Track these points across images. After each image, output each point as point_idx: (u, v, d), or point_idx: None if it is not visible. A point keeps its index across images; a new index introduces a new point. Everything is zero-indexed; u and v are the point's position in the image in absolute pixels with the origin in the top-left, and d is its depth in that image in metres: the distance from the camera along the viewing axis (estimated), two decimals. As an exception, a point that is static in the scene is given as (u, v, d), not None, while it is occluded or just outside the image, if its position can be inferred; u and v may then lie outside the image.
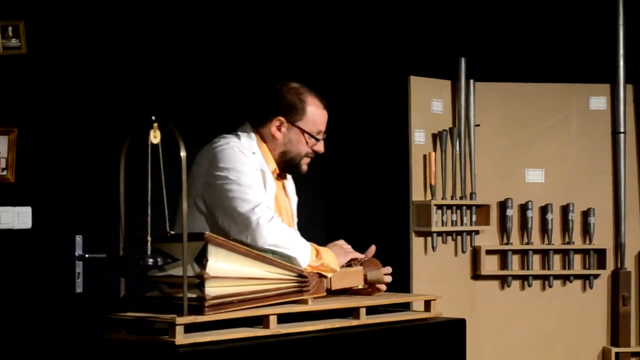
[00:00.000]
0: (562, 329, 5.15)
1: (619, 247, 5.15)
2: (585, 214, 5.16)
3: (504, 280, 5.13)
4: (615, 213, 5.17)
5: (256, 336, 2.73)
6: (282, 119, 3.27)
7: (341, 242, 3.27)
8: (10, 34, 4.01)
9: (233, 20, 4.75)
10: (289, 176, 3.43)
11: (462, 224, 5.02)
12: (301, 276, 2.97)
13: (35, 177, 4.10)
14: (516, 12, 5.26)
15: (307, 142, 3.29)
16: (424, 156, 4.94)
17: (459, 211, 5.02)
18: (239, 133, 3.28)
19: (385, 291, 3.30)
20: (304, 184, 3.54)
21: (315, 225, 4.75)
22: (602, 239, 5.17)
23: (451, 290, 4.87)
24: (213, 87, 4.69)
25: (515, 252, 5.13)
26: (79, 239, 4.25)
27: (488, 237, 5.12)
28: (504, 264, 5.13)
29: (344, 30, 5.19)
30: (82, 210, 4.25)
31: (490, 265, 5.12)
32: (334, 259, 3.12)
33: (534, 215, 5.11)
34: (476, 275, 5.09)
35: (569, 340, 5.14)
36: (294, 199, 3.46)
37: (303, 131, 3.28)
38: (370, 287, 3.26)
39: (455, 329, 3.30)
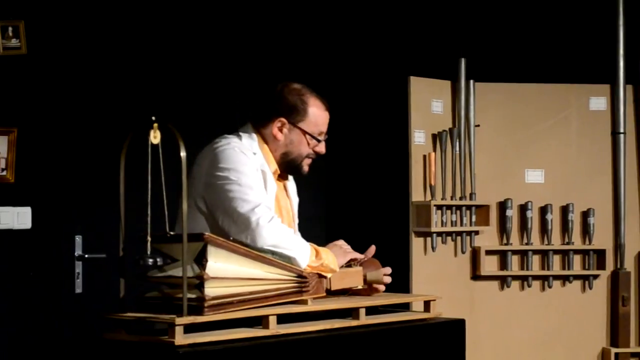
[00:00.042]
0: (561, 329, 5.15)
1: (618, 247, 5.15)
2: (585, 215, 5.16)
3: (503, 281, 5.13)
4: (615, 213, 5.17)
5: (256, 336, 2.73)
6: (283, 119, 3.27)
7: (341, 242, 3.27)
8: (10, 34, 4.01)
9: (233, 20, 4.75)
10: (290, 177, 3.43)
11: (461, 225, 5.02)
12: (301, 276, 2.97)
13: (35, 177, 4.10)
14: (516, 12, 5.26)
15: (308, 143, 3.29)
16: (424, 156, 4.95)
17: (458, 211, 5.02)
18: (240, 133, 3.28)
19: (385, 291, 3.30)
20: (304, 184, 3.54)
21: (315, 225, 4.75)
22: (602, 239, 5.17)
23: (451, 290, 4.87)
24: (213, 87, 4.69)
25: (514, 252, 5.13)
26: (78, 239, 4.25)
27: (488, 238, 5.12)
28: (503, 265, 5.13)
29: (344, 30, 5.19)
30: (82, 211, 4.25)
31: (489, 265, 5.12)
32: (333, 260, 3.12)
33: (533, 215, 5.11)
34: (476, 276, 5.09)
35: (568, 340, 5.15)
36: (295, 199, 3.46)
37: (304, 132, 3.28)
38: (369, 287, 3.26)
39: (454, 330, 3.30)
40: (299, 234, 3.36)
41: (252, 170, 3.14)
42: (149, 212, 2.59)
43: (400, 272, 4.14)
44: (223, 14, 4.72)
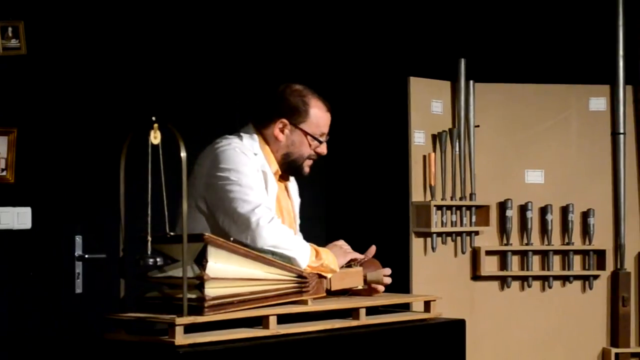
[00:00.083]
0: (561, 329, 5.15)
1: (618, 248, 5.15)
2: (585, 215, 5.16)
3: (503, 281, 5.13)
4: (615, 214, 5.17)
5: (256, 337, 2.73)
6: (285, 121, 3.27)
7: (341, 242, 3.27)
8: (10, 34, 4.01)
9: (233, 20, 4.75)
10: (291, 177, 3.43)
11: (461, 225, 5.02)
12: (301, 277, 2.97)
13: (35, 178, 4.10)
14: (516, 13, 5.26)
15: (309, 144, 3.29)
16: (424, 157, 4.95)
17: (458, 212, 5.02)
18: (242, 134, 3.28)
19: (385, 292, 3.30)
20: (304, 184, 3.54)
21: (315, 225, 4.75)
22: (602, 239, 5.17)
23: (451, 290, 4.87)
24: (213, 88, 4.69)
25: (515, 252, 5.13)
26: (78, 239, 4.25)
27: (488, 238, 5.12)
28: (503, 265, 5.13)
29: (344, 31, 5.19)
30: (82, 211, 4.25)
31: (490, 266, 5.12)
32: (333, 260, 3.12)
33: (533, 216, 5.11)
34: (476, 276, 5.09)
35: (568, 341, 5.15)
36: (296, 200, 3.46)
37: (306, 133, 3.28)
38: (369, 288, 3.26)
39: (455, 330, 3.30)
40: (300, 235, 3.36)
41: (252, 171, 3.14)
42: (149, 212, 2.59)
43: (401, 272, 4.14)
44: (223, 14, 4.72)
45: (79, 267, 4.25)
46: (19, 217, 4.04)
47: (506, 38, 5.23)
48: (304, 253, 3.04)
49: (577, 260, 5.18)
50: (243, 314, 2.75)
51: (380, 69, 5.21)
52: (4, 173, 4.00)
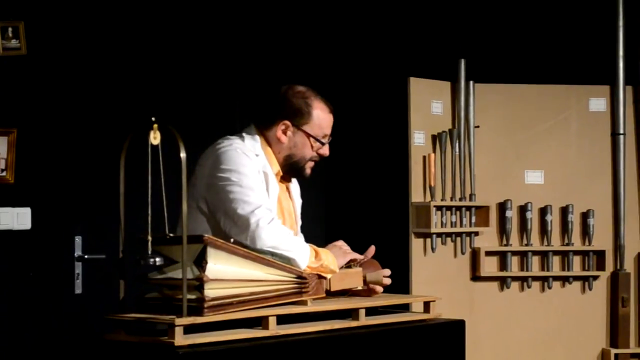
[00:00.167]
0: (561, 330, 5.15)
1: (618, 248, 5.15)
2: (585, 216, 5.16)
3: (503, 282, 5.13)
4: (615, 214, 5.17)
5: (255, 337, 2.73)
6: (287, 122, 3.26)
7: (340, 242, 3.27)
8: (10, 34, 4.01)
9: (233, 21, 4.75)
10: (293, 179, 3.43)
11: (461, 225, 5.02)
12: (300, 277, 2.97)
13: (35, 178, 4.10)
14: (516, 13, 5.26)
15: (312, 146, 3.29)
16: (424, 157, 4.95)
17: (458, 212, 5.02)
18: (244, 135, 3.27)
19: (385, 292, 3.30)
20: (304, 185, 3.54)
21: (315, 225, 4.75)
22: (602, 240, 5.17)
23: (450, 291, 4.88)
24: (213, 88, 4.69)
25: (514, 253, 5.13)
26: (78, 240, 4.25)
27: (487, 239, 5.12)
28: (503, 265, 5.13)
29: (344, 31, 5.19)
30: (82, 211, 4.25)
31: (489, 266, 5.12)
32: (333, 260, 3.12)
33: (533, 216, 5.11)
34: (475, 277, 5.09)
35: (568, 341, 5.15)
36: (298, 201, 3.46)
37: (309, 135, 3.27)
38: (369, 288, 3.26)
39: (454, 330, 3.30)
40: (301, 236, 3.36)
41: (253, 172, 3.14)
42: (149, 212, 2.59)
43: (400, 273, 4.14)
44: (223, 15, 4.72)
45: (78, 268, 4.25)
46: (18, 218, 4.04)
47: (506, 38, 5.23)
48: (303, 254, 3.04)
49: (576, 260, 5.18)
50: (243, 314, 2.75)
51: (380, 70, 5.21)
52: (4, 173, 4.00)
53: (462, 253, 5.06)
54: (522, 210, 5.12)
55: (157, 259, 2.65)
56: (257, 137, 3.28)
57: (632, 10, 5.17)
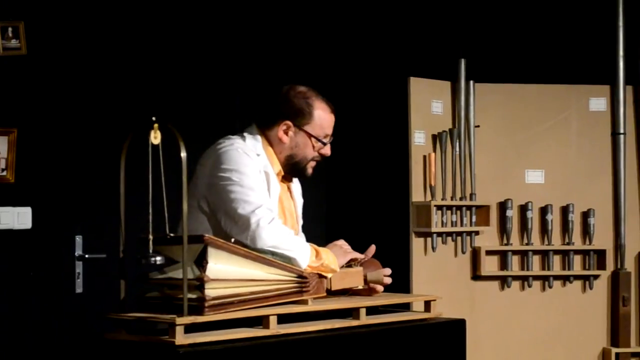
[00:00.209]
0: (562, 329, 5.15)
1: (618, 247, 5.16)
2: (585, 215, 5.16)
3: (503, 281, 5.13)
4: (615, 214, 5.17)
5: (256, 336, 2.73)
6: (289, 123, 3.26)
7: (341, 242, 3.27)
8: (10, 34, 4.01)
9: (234, 21, 4.75)
10: (295, 179, 3.43)
11: (462, 225, 5.02)
12: (301, 277, 2.97)
13: (35, 178, 4.10)
14: (516, 13, 5.26)
15: (313, 146, 3.29)
16: (424, 157, 4.95)
17: (458, 212, 5.02)
18: (245, 134, 3.27)
19: (385, 291, 3.30)
20: (304, 184, 3.53)
21: (315, 225, 4.74)
22: (602, 239, 5.17)
23: (451, 290, 4.88)
24: (213, 88, 4.69)
25: (515, 252, 5.13)
26: (78, 239, 4.25)
27: (488, 238, 5.12)
28: (504, 265, 5.13)
29: (344, 31, 5.19)
30: (82, 211, 4.25)
31: (490, 265, 5.12)
32: (333, 260, 3.12)
33: (533, 216, 5.12)
34: (476, 276, 5.09)
35: (569, 340, 5.15)
36: (299, 201, 3.46)
37: (310, 135, 3.27)
38: (369, 288, 3.26)
39: (455, 330, 3.30)
40: (302, 236, 3.36)
41: (254, 172, 3.14)
42: (150, 211, 2.59)
43: (401, 272, 4.14)
44: (223, 14, 4.72)
45: (79, 267, 4.25)
46: (19, 217, 4.04)
47: (506, 38, 5.23)
48: (304, 253, 3.04)
49: (577, 260, 5.18)
50: (243, 313, 2.75)
51: (380, 70, 5.21)
52: (4, 173, 4.00)
53: (463, 252, 5.06)
54: (523, 209, 5.12)
55: (158, 258, 2.65)
56: (259, 137, 3.27)
57: (632, 9, 5.17)
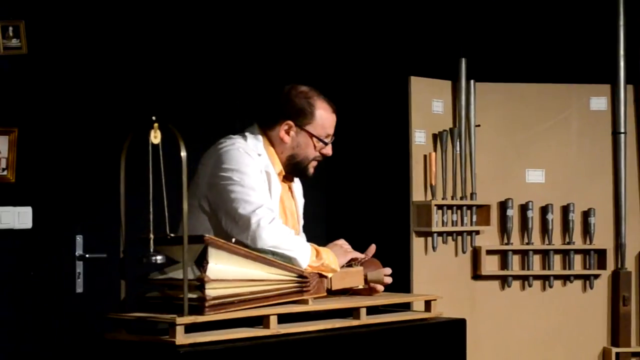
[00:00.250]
0: (562, 329, 5.15)
1: (619, 247, 5.16)
2: (586, 214, 5.16)
3: (504, 281, 5.13)
4: (616, 213, 5.17)
5: (256, 336, 2.73)
6: (290, 122, 3.26)
7: (341, 241, 3.27)
8: (11, 34, 4.01)
9: (234, 20, 4.75)
10: (296, 178, 3.43)
11: (462, 224, 5.02)
12: (301, 276, 2.97)
13: (36, 177, 4.10)
14: (516, 12, 5.26)
15: (315, 146, 3.29)
16: (425, 156, 4.95)
17: (459, 211, 5.02)
18: (246, 134, 3.27)
19: (386, 291, 3.30)
20: (305, 184, 3.53)
21: (315, 225, 4.74)
22: (603, 239, 5.17)
23: (451, 290, 4.87)
24: (213, 87, 4.69)
25: (515, 252, 5.13)
26: (79, 239, 4.25)
27: (488, 237, 5.12)
28: (504, 264, 5.13)
29: (344, 31, 5.19)
30: (83, 210, 4.25)
31: (490, 265, 5.12)
32: (334, 259, 3.12)
33: (534, 215, 5.11)
34: (476, 276, 5.09)
35: (569, 340, 5.15)
36: (300, 201, 3.46)
37: (312, 135, 3.27)
38: (370, 287, 3.26)
39: (455, 329, 3.30)
40: (303, 236, 3.36)
41: (255, 172, 3.13)
42: (151, 210, 2.59)
43: (401, 271, 4.14)
44: (223, 14, 4.72)
45: (79, 267, 4.25)
46: (19, 217, 4.04)
47: (507, 37, 5.23)
48: (304, 253, 3.04)
49: (577, 259, 5.18)
50: (244, 313, 2.75)
51: (381, 69, 5.21)
52: (5, 173, 4.00)
53: (463, 252, 5.06)
54: (523, 209, 5.12)
55: (159, 257, 2.65)
56: (260, 137, 3.27)
57: (633, 9, 5.16)
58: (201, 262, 2.66)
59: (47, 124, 4.13)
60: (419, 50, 5.18)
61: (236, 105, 4.71)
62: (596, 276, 5.17)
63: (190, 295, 2.62)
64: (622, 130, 5.17)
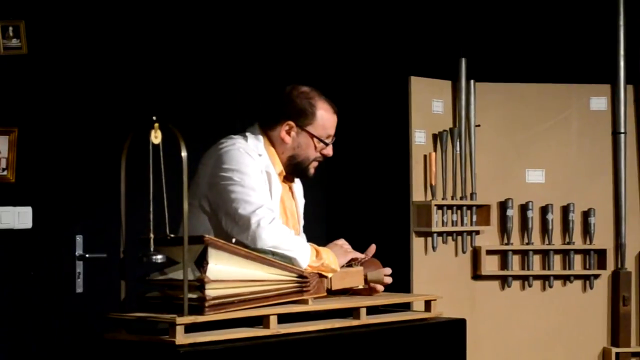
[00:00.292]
0: (562, 329, 5.15)
1: (619, 247, 5.15)
2: (586, 214, 5.16)
3: (504, 281, 5.13)
4: (616, 213, 5.17)
5: (256, 336, 2.73)
6: (291, 123, 3.26)
7: (341, 241, 3.27)
8: (11, 34, 4.01)
9: (234, 20, 4.75)
10: (296, 179, 3.43)
11: (462, 224, 5.02)
12: (301, 276, 2.97)
13: (36, 177, 4.10)
14: (516, 12, 5.26)
15: (315, 147, 3.28)
16: (425, 156, 4.95)
17: (459, 211, 5.02)
18: (247, 134, 3.27)
19: (386, 291, 3.30)
20: (305, 184, 3.53)
21: (315, 225, 4.74)
22: (603, 239, 5.17)
23: (451, 290, 4.87)
24: (214, 87, 4.69)
25: (515, 252, 5.13)
26: (79, 238, 4.25)
27: (488, 237, 5.12)
28: (504, 264, 5.13)
29: (344, 31, 5.19)
30: (83, 210, 4.25)
31: (490, 265, 5.12)
32: (334, 259, 3.12)
33: (534, 215, 5.11)
34: (476, 276, 5.09)
35: (569, 340, 5.15)
36: (300, 201, 3.46)
37: (312, 136, 3.27)
38: (370, 287, 3.26)
39: (455, 329, 3.30)
40: (303, 236, 3.36)
41: (255, 172, 3.13)
42: (151, 209, 2.59)
43: (401, 271, 4.14)
44: (224, 14, 4.72)
45: (79, 267, 4.25)
46: (19, 217, 4.04)
47: (507, 37, 5.23)
48: (304, 253, 3.04)
49: (577, 259, 5.18)
50: (243, 313, 2.75)
51: (381, 69, 5.21)
52: (5, 172, 4.00)
53: (463, 252, 5.06)
54: (523, 209, 5.12)
55: (159, 256, 2.65)
56: (261, 137, 3.27)
57: (633, 9, 5.16)
58: (201, 262, 2.66)
59: (47, 124, 4.13)
60: (419, 50, 5.18)
61: (236, 105, 4.71)
62: (596, 276, 5.17)
63: (190, 295, 2.62)
64: (622, 130, 5.17)
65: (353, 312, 3.04)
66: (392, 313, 3.22)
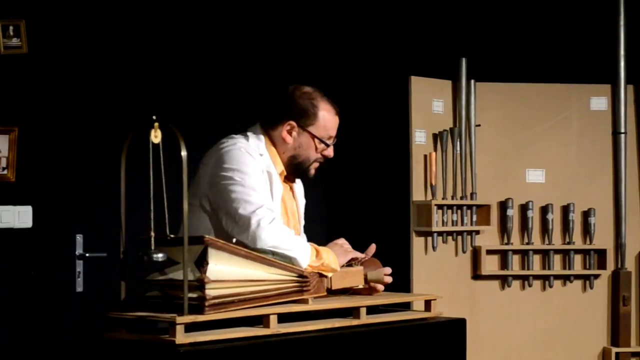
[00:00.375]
0: (562, 329, 5.15)
1: (619, 247, 5.16)
2: (586, 214, 5.16)
3: (504, 280, 5.13)
4: (616, 213, 5.17)
5: (256, 336, 2.73)
6: (293, 123, 3.26)
7: (341, 241, 3.27)
8: (11, 33, 4.01)
9: (234, 20, 4.75)
10: (297, 179, 3.43)
11: (462, 224, 5.02)
12: (301, 276, 2.97)
13: (36, 177, 4.10)
14: (517, 12, 5.26)
15: (316, 148, 3.28)
16: (425, 156, 4.95)
17: (459, 211, 5.02)
18: (248, 134, 3.27)
19: (386, 291, 3.30)
20: (305, 184, 3.53)
21: (315, 225, 4.74)
22: (603, 239, 5.17)
23: (451, 290, 4.87)
24: (214, 87, 4.69)
25: (515, 252, 5.13)
26: (79, 238, 4.24)
27: (488, 237, 5.12)
28: (504, 264, 5.13)
29: (345, 30, 5.19)
30: (83, 209, 4.25)
31: (490, 265, 5.12)
32: (334, 259, 3.12)
33: (534, 215, 5.11)
34: (476, 275, 5.09)
35: (569, 340, 5.15)
36: (301, 201, 3.46)
37: (314, 136, 3.27)
38: (370, 287, 3.26)
39: (455, 329, 3.30)
40: (304, 236, 3.36)
41: (256, 172, 3.13)
42: (151, 209, 2.59)
43: (401, 271, 4.14)
44: (224, 14, 4.72)
45: (79, 266, 4.25)
46: (19, 216, 4.04)
47: (507, 37, 5.23)
48: (304, 253, 3.04)
49: (577, 259, 5.18)
50: (244, 312, 2.75)
51: (381, 68, 5.21)
52: (5, 172, 4.00)
53: (463, 252, 5.06)
54: (523, 208, 5.12)
55: (160, 255, 2.65)
56: (262, 137, 3.27)
57: (633, 8, 5.16)
58: (201, 262, 2.66)
59: (47, 124, 4.13)
60: (419, 50, 5.18)
61: (237, 104, 4.71)
62: (596, 276, 5.17)
63: (191, 295, 2.62)
64: (622, 130, 5.17)
65: (353, 312, 3.04)
66: (392, 313, 3.22)
